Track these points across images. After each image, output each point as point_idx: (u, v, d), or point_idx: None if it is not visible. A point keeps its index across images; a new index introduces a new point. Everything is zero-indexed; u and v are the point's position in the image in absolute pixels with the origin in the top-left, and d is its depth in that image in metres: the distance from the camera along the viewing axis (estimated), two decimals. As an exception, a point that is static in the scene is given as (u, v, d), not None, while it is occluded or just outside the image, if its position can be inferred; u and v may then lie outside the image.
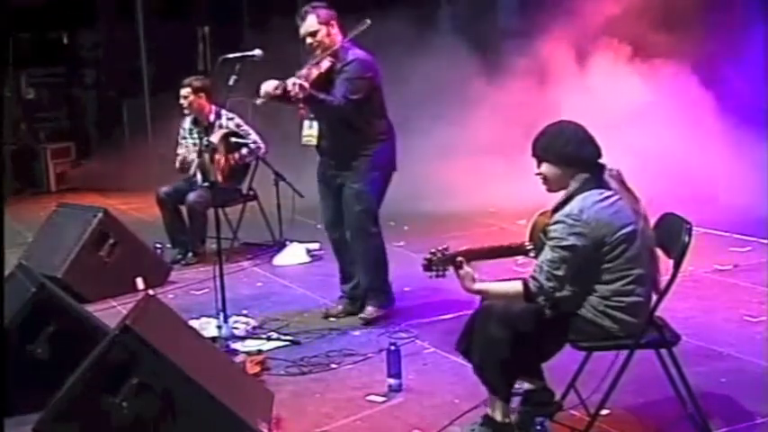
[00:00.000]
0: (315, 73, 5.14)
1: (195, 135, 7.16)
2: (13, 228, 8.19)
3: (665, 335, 3.57)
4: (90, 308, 5.16)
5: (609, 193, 3.48)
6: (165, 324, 3.95)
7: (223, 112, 6.91)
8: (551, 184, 3.57)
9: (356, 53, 5.21)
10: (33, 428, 3.59)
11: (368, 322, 5.38)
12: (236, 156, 7.06)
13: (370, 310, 5.43)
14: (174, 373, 3.51)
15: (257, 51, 5.23)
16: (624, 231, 3.43)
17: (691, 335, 4.47)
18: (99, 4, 13.77)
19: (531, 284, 3.43)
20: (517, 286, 3.47)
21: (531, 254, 3.61)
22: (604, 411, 3.70)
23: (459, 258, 3.53)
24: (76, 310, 4.52)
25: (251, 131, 7.17)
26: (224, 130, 6.97)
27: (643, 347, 3.52)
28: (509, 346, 3.49)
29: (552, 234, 3.44)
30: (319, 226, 8.12)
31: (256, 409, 3.86)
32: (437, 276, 3.57)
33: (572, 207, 3.45)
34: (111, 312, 5.56)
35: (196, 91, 7.10)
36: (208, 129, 6.95)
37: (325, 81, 5.16)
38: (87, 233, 6.25)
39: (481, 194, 8.81)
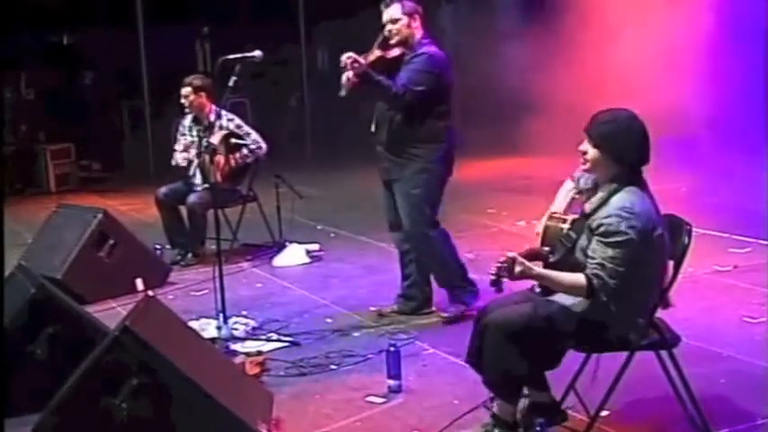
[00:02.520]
0: (377, 54, 5.16)
1: (195, 133, 7.16)
2: (12, 228, 8.18)
3: (665, 336, 3.57)
4: (90, 309, 5.16)
5: (644, 193, 3.48)
6: (164, 325, 3.95)
7: (223, 112, 6.90)
8: (591, 169, 3.53)
9: (429, 48, 5.22)
10: (33, 429, 3.59)
11: (448, 321, 5.32)
12: (237, 156, 7.05)
13: (451, 310, 5.38)
14: (174, 374, 3.51)
15: (257, 52, 5.23)
16: (660, 232, 3.43)
17: (690, 336, 4.46)
18: (99, 5, 13.77)
19: (595, 282, 3.36)
20: (580, 280, 3.39)
21: (551, 258, 3.58)
22: (604, 413, 3.70)
23: (512, 255, 3.40)
24: (76, 310, 4.52)
25: (251, 132, 7.17)
26: (224, 132, 6.96)
27: (643, 349, 3.52)
28: (520, 358, 3.47)
29: (608, 228, 3.37)
30: (319, 227, 8.20)
31: (256, 409, 3.86)
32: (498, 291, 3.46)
33: (621, 201, 3.41)
34: (110, 313, 5.56)
35: (197, 90, 7.10)
36: (207, 128, 6.93)
37: (388, 67, 5.16)
38: (87, 234, 6.25)
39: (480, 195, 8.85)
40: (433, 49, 5.24)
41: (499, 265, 3.38)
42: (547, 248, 3.63)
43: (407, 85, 5.11)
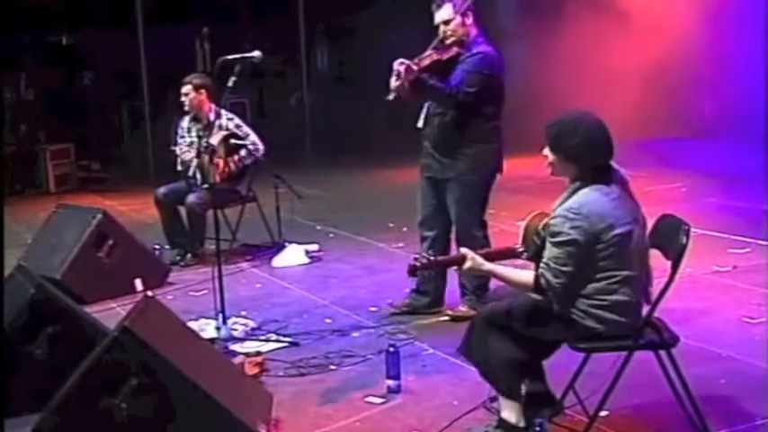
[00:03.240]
0: (433, 57, 5.14)
1: (194, 133, 7.15)
2: (12, 229, 8.19)
3: (664, 336, 3.57)
4: (89, 309, 5.15)
5: (609, 190, 3.47)
6: (164, 325, 3.95)
7: (223, 112, 6.90)
8: (554, 171, 3.58)
9: (484, 48, 5.19)
10: (33, 429, 3.59)
11: (455, 319, 5.31)
12: (236, 158, 7.05)
13: (462, 309, 5.37)
14: (173, 375, 3.51)
15: (257, 53, 5.23)
16: (620, 231, 3.42)
17: (689, 336, 4.47)
18: (99, 5, 13.78)
19: (542, 281, 3.43)
20: (528, 278, 3.47)
21: (524, 256, 3.62)
22: (603, 413, 3.70)
23: (463, 251, 3.51)
24: (75, 311, 4.52)
25: (250, 132, 7.16)
26: (224, 132, 6.95)
27: (642, 349, 3.53)
28: (507, 346, 3.51)
29: (553, 229, 3.43)
30: (319, 227, 8.20)
31: (255, 410, 3.86)
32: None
33: (571, 202, 3.45)
34: (110, 313, 5.56)
35: (197, 88, 7.09)
36: (207, 128, 6.94)
37: (444, 69, 5.16)
38: (86, 234, 6.24)
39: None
40: (487, 48, 5.21)
41: (419, 260, 3.51)
42: (521, 247, 3.67)
43: (459, 86, 5.09)
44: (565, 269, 3.40)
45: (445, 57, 5.19)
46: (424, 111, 5.38)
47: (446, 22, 5.19)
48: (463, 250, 3.52)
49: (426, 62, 5.12)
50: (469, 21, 5.23)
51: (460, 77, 5.12)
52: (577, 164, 3.50)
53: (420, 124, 5.41)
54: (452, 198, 5.34)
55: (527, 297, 3.58)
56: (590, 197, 3.44)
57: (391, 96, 5.11)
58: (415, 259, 3.59)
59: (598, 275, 3.45)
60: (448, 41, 5.21)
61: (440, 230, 5.49)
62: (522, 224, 3.73)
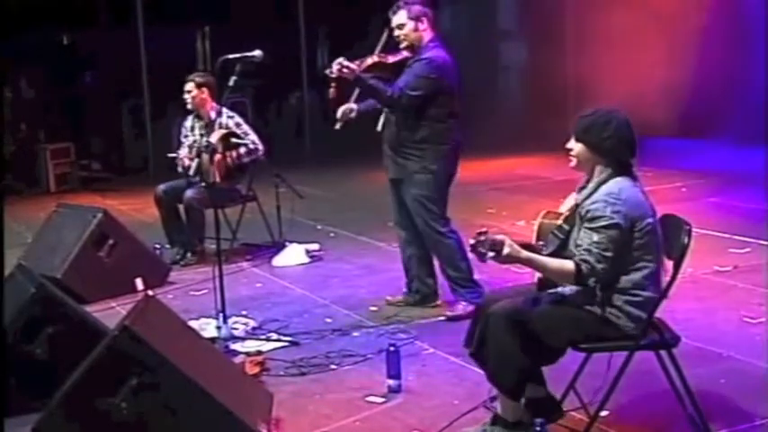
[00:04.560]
0: (375, 59, 5.26)
1: (197, 132, 7.16)
2: (12, 228, 8.19)
3: (665, 336, 3.57)
4: (89, 308, 5.15)
5: (636, 183, 3.54)
6: (164, 325, 3.95)
7: (224, 110, 6.90)
8: (578, 164, 3.60)
9: (434, 53, 5.25)
10: (33, 428, 3.59)
11: (452, 319, 5.33)
12: (234, 154, 7.03)
13: (458, 308, 5.40)
14: (174, 374, 3.51)
15: (257, 52, 5.23)
16: (650, 221, 3.47)
17: (690, 336, 4.48)
18: (99, 5, 13.78)
19: (583, 267, 3.40)
20: (568, 266, 3.43)
21: (544, 252, 3.61)
22: (604, 413, 3.70)
23: (501, 237, 3.46)
24: (76, 310, 4.52)
25: (250, 132, 7.16)
26: (223, 130, 6.95)
27: (644, 349, 3.53)
28: (523, 351, 3.48)
29: (593, 213, 3.43)
30: (319, 227, 8.20)
31: (256, 409, 3.86)
32: (480, 260, 3.47)
33: (609, 188, 3.47)
34: (110, 313, 5.55)
35: (199, 86, 7.10)
36: (208, 126, 6.94)
37: (392, 71, 5.26)
38: (87, 234, 6.24)
39: (480, 195, 8.86)
40: (435, 53, 5.28)
41: (480, 237, 3.38)
42: (540, 242, 3.66)
43: (404, 89, 5.19)
44: (607, 254, 3.40)
45: (391, 60, 5.30)
46: (383, 114, 5.47)
47: (399, 27, 5.31)
48: (501, 236, 3.45)
49: (368, 62, 5.24)
50: (423, 26, 5.31)
51: (405, 81, 5.21)
52: (605, 156, 3.53)
53: (379, 128, 5.50)
54: (408, 196, 5.42)
55: (549, 299, 3.57)
56: (625, 184, 3.49)
57: (338, 126, 5.40)
58: (480, 234, 3.45)
59: (633, 266, 3.47)
60: (401, 45, 5.33)
61: (413, 229, 5.56)
62: (536, 223, 3.74)
